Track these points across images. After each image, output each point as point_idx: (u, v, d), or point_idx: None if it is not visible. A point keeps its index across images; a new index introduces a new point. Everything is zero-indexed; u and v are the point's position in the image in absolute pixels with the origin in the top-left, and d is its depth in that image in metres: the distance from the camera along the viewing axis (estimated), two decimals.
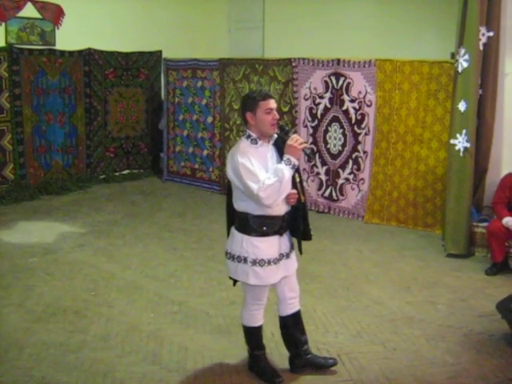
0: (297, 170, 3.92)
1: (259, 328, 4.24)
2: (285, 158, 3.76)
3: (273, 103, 3.83)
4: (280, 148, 3.89)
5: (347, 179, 8.60)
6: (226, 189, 4.14)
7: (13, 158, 9.33)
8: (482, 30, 6.76)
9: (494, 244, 6.34)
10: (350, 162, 8.52)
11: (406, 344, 4.79)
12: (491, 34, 6.79)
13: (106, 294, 5.73)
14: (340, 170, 8.65)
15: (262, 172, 3.74)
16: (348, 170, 8.58)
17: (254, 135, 3.87)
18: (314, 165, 8.89)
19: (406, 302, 5.66)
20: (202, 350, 4.66)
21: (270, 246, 3.91)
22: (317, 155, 8.85)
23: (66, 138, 10.17)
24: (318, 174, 8.89)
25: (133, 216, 8.57)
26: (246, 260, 3.90)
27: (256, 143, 3.86)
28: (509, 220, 6.23)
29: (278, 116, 3.88)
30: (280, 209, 3.88)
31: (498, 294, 5.50)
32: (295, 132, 4.00)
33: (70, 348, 4.63)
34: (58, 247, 7.09)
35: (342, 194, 8.67)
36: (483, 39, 6.79)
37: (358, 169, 8.45)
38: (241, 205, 3.90)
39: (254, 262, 3.88)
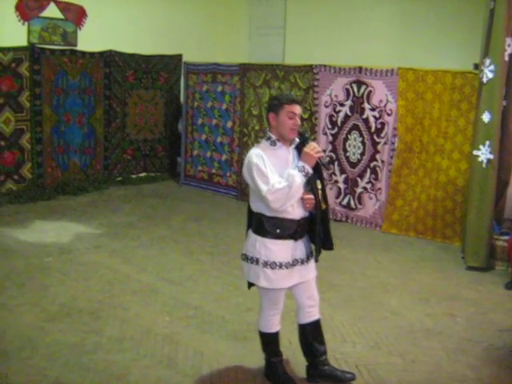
0: (320, 176, 3.90)
1: (276, 334, 4.18)
2: (299, 165, 3.75)
3: (297, 109, 3.82)
4: (300, 152, 3.86)
5: (365, 188, 8.52)
6: (249, 191, 4.11)
7: (31, 157, 9.34)
8: (508, 40, 6.66)
9: None
10: (368, 170, 8.44)
11: (425, 357, 4.70)
12: None
13: (121, 296, 5.68)
14: (358, 179, 8.57)
15: (275, 175, 3.74)
16: (366, 179, 8.50)
17: (273, 137, 3.87)
18: (333, 173, 8.81)
19: (424, 313, 5.57)
20: (217, 355, 4.60)
21: (283, 249, 3.87)
22: (335, 163, 8.78)
23: (84, 138, 10.18)
24: (336, 182, 8.82)
25: (149, 218, 8.54)
26: (257, 261, 3.88)
27: (274, 145, 3.86)
28: None
29: (299, 122, 3.85)
30: (296, 213, 3.84)
31: None
32: (314, 140, 3.93)
33: (84, 349, 4.58)
34: (73, 247, 7.06)
35: (360, 203, 8.59)
36: (509, 50, 6.70)
37: (376, 178, 8.37)
38: (256, 205, 3.90)
39: (266, 264, 3.86)
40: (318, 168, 3.86)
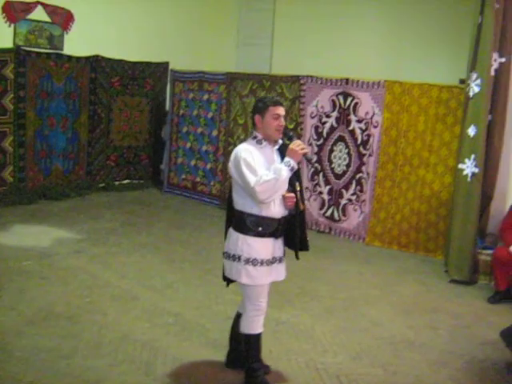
0: (298, 178, 4.06)
1: (258, 336, 4.17)
2: (285, 160, 3.88)
3: (281, 110, 3.98)
4: (283, 155, 3.99)
5: (350, 200, 8.51)
6: (229, 190, 4.23)
7: (13, 161, 9.22)
8: (495, 55, 6.73)
9: (499, 271, 6.24)
10: (354, 182, 8.43)
11: (407, 368, 4.66)
12: (503, 60, 6.78)
13: (100, 302, 5.58)
14: (343, 191, 8.55)
15: (262, 168, 3.86)
16: (351, 191, 8.49)
17: (259, 136, 4.01)
18: (317, 184, 8.79)
19: (406, 325, 5.54)
20: (197, 363, 4.53)
21: (264, 246, 3.99)
22: (320, 174, 8.76)
23: (67, 143, 10.08)
24: (320, 193, 8.79)
25: (131, 225, 8.45)
26: (239, 258, 3.98)
27: (261, 144, 4.00)
28: None
29: (284, 123, 4.01)
30: (277, 211, 3.96)
31: (500, 323, 5.37)
32: (299, 138, 4.05)
33: (61, 354, 4.48)
34: (53, 252, 6.95)
35: (345, 215, 8.57)
36: (495, 65, 6.78)
37: (361, 190, 8.36)
38: (239, 203, 4.00)
39: (247, 261, 3.96)
40: (297, 171, 4.00)
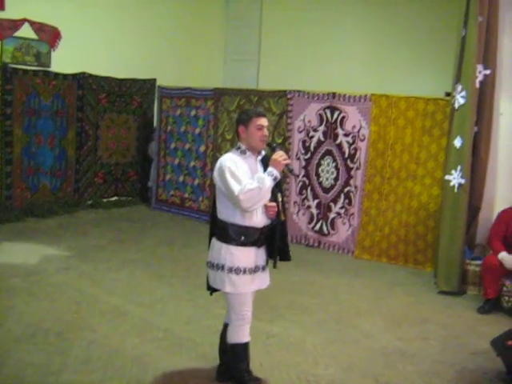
0: (280, 189, 4.15)
1: (245, 345, 4.19)
2: (268, 170, 3.96)
3: (264, 121, 4.08)
4: (266, 165, 4.07)
5: (339, 213, 8.52)
6: (212, 201, 4.32)
7: (0, 178, 9.17)
8: (479, 67, 6.80)
9: (488, 280, 6.26)
10: (342, 196, 8.45)
11: (399, 379, 4.65)
12: (488, 72, 6.84)
13: (89, 318, 5.53)
14: (332, 204, 8.57)
15: (246, 177, 3.93)
16: (340, 205, 8.50)
17: (243, 147, 4.10)
18: (306, 198, 8.81)
19: (397, 337, 5.53)
20: (187, 377, 4.49)
21: (246, 255, 4.05)
22: (308, 188, 8.78)
23: (55, 161, 10.05)
24: (309, 207, 8.80)
25: (119, 242, 8.40)
26: (223, 268, 4.04)
27: (244, 154, 4.08)
28: (504, 256, 6.15)
29: (267, 133, 4.11)
30: (259, 221, 4.04)
31: (490, 332, 5.37)
32: (281, 149, 4.16)
33: (49, 370, 4.43)
34: (41, 269, 6.89)
35: (333, 229, 8.57)
36: (480, 77, 6.84)
37: (350, 203, 8.38)
38: (222, 212, 4.07)
39: (231, 270, 4.02)
40: (279, 182, 4.06)
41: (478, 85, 6.81)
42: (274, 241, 4.13)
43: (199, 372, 4.59)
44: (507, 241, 6.33)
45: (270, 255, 4.22)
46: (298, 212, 8.89)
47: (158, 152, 10.85)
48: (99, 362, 4.63)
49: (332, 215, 8.58)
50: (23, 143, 9.49)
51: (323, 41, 11.26)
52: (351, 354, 5.08)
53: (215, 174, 4.05)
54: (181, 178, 10.50)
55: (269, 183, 3.88)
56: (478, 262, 6.73)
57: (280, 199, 4.12)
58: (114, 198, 11.13)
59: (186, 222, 10.02)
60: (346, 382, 4.53)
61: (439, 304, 6.54)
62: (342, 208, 8.48)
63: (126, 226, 9.43)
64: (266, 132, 4.06)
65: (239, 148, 4.10)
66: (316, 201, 8.74)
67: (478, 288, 6.81)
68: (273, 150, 4.10)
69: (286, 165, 4.02)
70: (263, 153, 4.17)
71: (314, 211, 8.77)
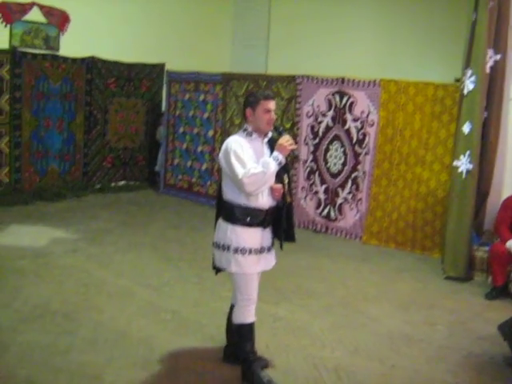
0: (286, 171, 4.15)
1: (251, 326, 4.19)
2: (274, 154, 3.97)
3: (272, 104, 4.05)
4: (272, 147, 4.07)
5: (346, 199, 8.50)
6: (219, 182, 4.31)
7: (9, 162, 9.20)
8: (490, 52, 6.74)
9: (496, 267, 6.23)
10: (350, 181, 8.43)
11: (405, 362, 4.65)
12: (498, 57, 6.79)
13: (96, 299, 5.57)
14: (339, 190, 8.55)
15: (251, 161, 3.93)
16: (347, 190, 8.48)
17: (250, 129, 4.08)
18: (313, 183, 8.79)
19: (404, 321, 5.53)
20: (194, 358, 4.51)
21: (252, 236, 4.06)
22: (316, 174, 8.76)
23: (63, 144, 10.07)
24: (316, 192, 8.78)
25: (127, 225, 8.43)
26: (229, 248, 4.05)
27: (251, 136, 4.07)
28: None
29: (275, 116, 4.10)
30: (264, 202, 4.03)
31: (497, 318, 5.34)
32: (293, 137, 4.14)
33: (57, 350, 4.46)
34: (49, 251, 6.93)
35: (341, 214, 8.56)
36: (490, 62, 6.78)
37: (357, 189, 8.36)
38: (228, 193, 4.07)
39: (236, 250, 4.02)
40: (285, 164, 4.05)
41: (488, 70, 6.75)
42: (280, 222, 4.14)
43: (206, 353, 4.61)
44: None
45: (276, 236, 4.23)
46: (305, 197, 8.87)
47: (166, 136, 10.85)
48: (106, 342, 4.66)
49: (339, 201, 8.56)
50: (32, 127, 9.51)
51: (332, 26, 11.20)
52: (358, 337, 5.08)
53: (221, 155, 4.06)
54: (189, 163, 10.50)
55: (273, 168, 3.89)
56: (486, 249, 6.71)
57: (286, 181, 4.13)
58: (123, 183, 11.16)
59: (194, 207, 10.03)
60: (353, 365, 4.54)
61: (446, 290, 6.53)
62: (349, 193, 8.46)
63: (133, 210, 9.45)
64: (273, 115, 4.04)
65: (246, 130, 4.09)
66: (324, 186, 8.72)
67: (486, 274, 6.79)
68: (279, 134, 4.09)
69: (292, 150, 4.03)
70: (270, 134, 4.15)
71: (322, 196, 8.75)
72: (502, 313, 5.67)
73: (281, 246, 4.24)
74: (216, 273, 4.38)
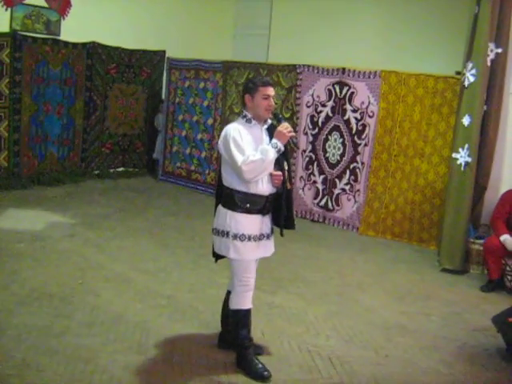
0: (286, 158, 4.14)
1: (247, 312, 4.19)
2: (272, 141, 3.98)
3: (271, 91, 4.07)
4: (271, 134, 4.08)
5: (344, 189, 8.51)
6: (218, 169, 4.31)
7: (7, 146, 9.18)
8: (491, 45, 6.74)
9: (491, 261, 6.26)
10: (348, 172, 8.44)
11: (399, 352, 4.68)
12: (499, 50, 6.79)
13: (93, 283, 5.58)
14: (337, 180, 8.56)
15: (250, 148, 3.95)
16: (345, 181, 8.49)
17: (249, 115, 4.10)
18: (312, 173, 8.80)
19: (399, 311, 5.56)
20: (189, 344, 4.53)
21: (251, 223, 4.07)
22: (315, 164, 8.76)
23: (62, 129, 10.04)
24: (314, 182, 8.79)
25: (125, 211, 8.44)
26: (228, 234, 4.06)
27: (250, 123, 4.08)
28: (506, 238, 6.14)
29: (273, 103, 4.10)
30: (264, 189, 4.04)
31: (492, 310, 5.37)
32: (292, 126, 4.16)
33: (52, 332, 4.47)
34: (46, 235, 6.93)
35: (338, 205, 8.57)
36: (491, 55, 6.77)
37: (355, 180, 8.37)
38: (228, 180, 4.08)
39: (235, 237, 4.04)
40: (285, 151, 4.08)
41: (489, 63, 6.75)
42: (280, 209, 4.14)
43: (201, 339, 4.63)
44: (510, 222, 6.31)
45: (276, 223, 4.23)
46: (303, 187, 8.88)
47: (165, 124, 10.84)
48: (102, 326, 4.68)
49: (337, 191, 8.57)
50: (31, 111, 9.47)
51: (334, 16, 11.17)
52: (353, 326, 5.11)
53: (220, 142, 4.08)
54: (188, 151, 10.50)
55: (272, 155, 3.91)
56: (482, 242, 6.72)
57: (286, 168, 4.13)
58: (121, 169, 11.14)
59: (192, 194, 10.04)
60: (347, 354, 4.56)
61: (442, 281, 6.56)
62: (347, 184, 8.47)
63: (132, 196, 9.46)
64: (272, 102, 4.06)
65: (245, 116, 4.10)
66: (322, 176, 8.73)
67: (482, 267, 6.82)
68: (278, 121, 4.10)
69: (291, 137, 4.03)
70: (269, 121, 4.16)
71: (320, 186, 8.76)
72: (497, 305, 5.70)
73: (281, 233, 4.24)
74: (216, 260, 4.38)
